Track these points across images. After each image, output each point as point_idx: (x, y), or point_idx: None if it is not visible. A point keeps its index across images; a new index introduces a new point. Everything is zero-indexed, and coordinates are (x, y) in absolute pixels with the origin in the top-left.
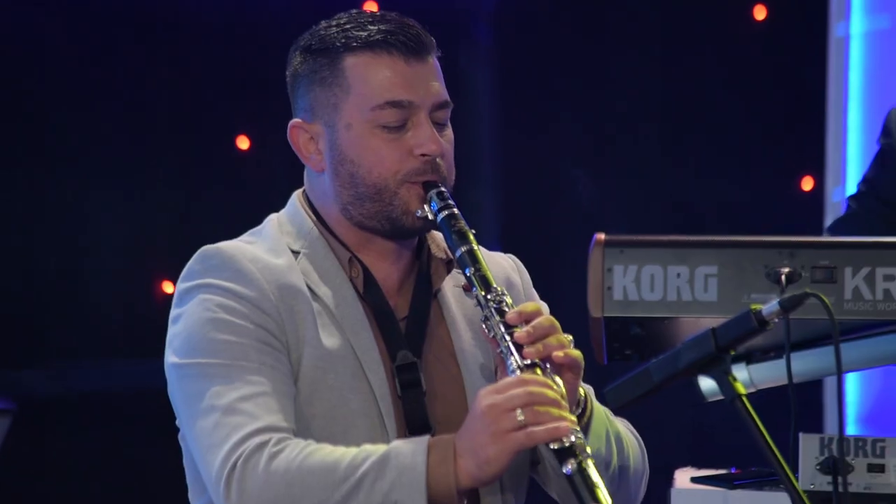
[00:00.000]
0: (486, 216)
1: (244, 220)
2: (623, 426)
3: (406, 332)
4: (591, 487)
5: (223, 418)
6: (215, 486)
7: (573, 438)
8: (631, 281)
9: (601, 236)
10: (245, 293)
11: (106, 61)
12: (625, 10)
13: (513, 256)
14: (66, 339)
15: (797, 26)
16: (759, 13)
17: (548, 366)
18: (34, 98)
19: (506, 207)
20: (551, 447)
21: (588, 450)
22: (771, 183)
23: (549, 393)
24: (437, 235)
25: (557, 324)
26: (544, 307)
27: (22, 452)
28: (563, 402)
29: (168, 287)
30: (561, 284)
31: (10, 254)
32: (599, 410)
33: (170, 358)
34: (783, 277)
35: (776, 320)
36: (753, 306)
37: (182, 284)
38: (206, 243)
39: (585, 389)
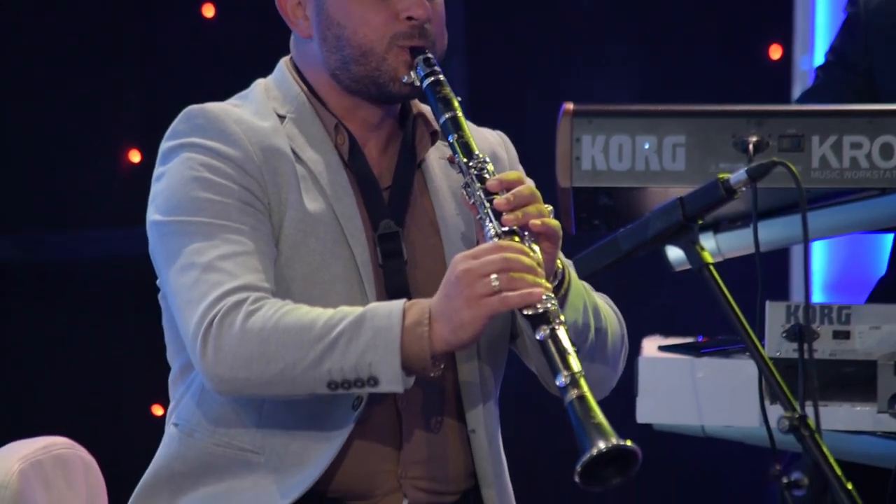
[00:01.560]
0: (455, 86)
1: (210, 88)
2: (602, 300)
3: (389, 201)
4: (562, 353)
5: (202, 275)
6: (192, 342)
7: (548, 305)
8: (599, 151)
9: (569, 106)
10: (229, 153)
11: None
12: None
13: (500, 132)
14: (33, 208)
15: None
16: None
17: (526, 234)
18: None
19: (474, 78)
20: (525, 313)
21: (562, 317)
22: (738, 51)
23: (525, 260)
24: (425, 106)
25: (538, 193)
26: (529, 182)
27: None
28: (539, 270)
29: (135, 156)
30: (529, 154)
31: None
32: (577, 283)
33: (152, 216)
34: (751, 146)
35: (744, 189)
36: (721, 175)
37: (166, 143)
38: (171, 112)
39: (564, 262)
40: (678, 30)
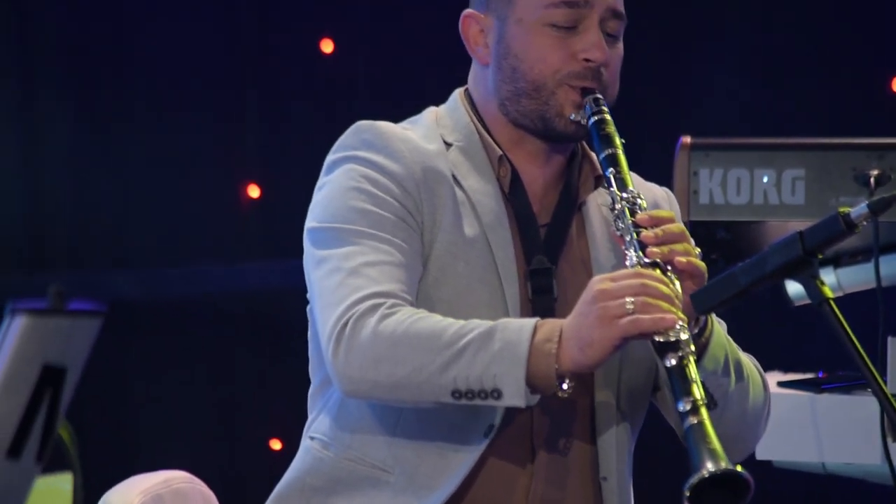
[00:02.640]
0: None
1: (328, 124)
2: (747, 358)
3: (545, 238)
4: (688, 381)
5: (346, 279)
6: (327, 343)
7: (681, 335)
8: (717, 184)
9: (687, 139)
10: (391, 168)
11: None
12: None
13: (667, 189)
14: (153, 244)
15: None
16: None
17: (669, 269)
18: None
19: None
20: (655, 339)
21: (692, 347)
22: (858, 83)
23: (664, 289)
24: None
25: (688, 233)
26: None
27: (109, 354)
28: (677, 302)
29: (254, 191)
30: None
31: (102, 161)
32: (720, 333)
33: (309, 223)
34: (872, 179)
35: (865, 223)
36: (841, 209)
37: (332, 155)
38: (288, 148)
39: (712, 316)
40: (798, 61)
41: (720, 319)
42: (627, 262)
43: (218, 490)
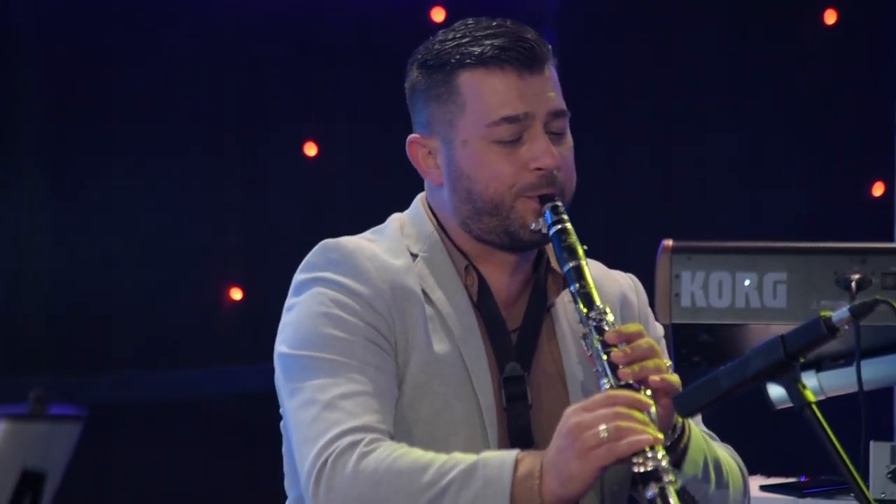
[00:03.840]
0: None
1: (310, 227)
2: (726, 452)
3: (516, 344)
4: None
5: (322, 413)
6: (306, 480)
7: (660, 463)
8: (699, 287)
9: (669, 242)
10: (359, 290)
11: (170, 68)
12: (691, 15)
13: (632, 276)
14: (133, 347)
15: (867, 30)
16: (830, 17)
17: (642, 389)
18: (104, 101)
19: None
20: (635, 471)
21: (671, 476)
22: (840, 188)
23: (638, 415)
24: None
25: (658, 347)
26: (659, 328)
27: (90, 459)
28: (650, 421)
29: (236, 294)
30: None
31: (81, 262)
32: (698, 436)
33: (279, 347)
34: (853, 284)
35: (846, 327)
36: (823, 313)
37: (300, 276)
38: (272, 250)
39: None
40: (781, 165)
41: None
42: (601, 388)
43: None
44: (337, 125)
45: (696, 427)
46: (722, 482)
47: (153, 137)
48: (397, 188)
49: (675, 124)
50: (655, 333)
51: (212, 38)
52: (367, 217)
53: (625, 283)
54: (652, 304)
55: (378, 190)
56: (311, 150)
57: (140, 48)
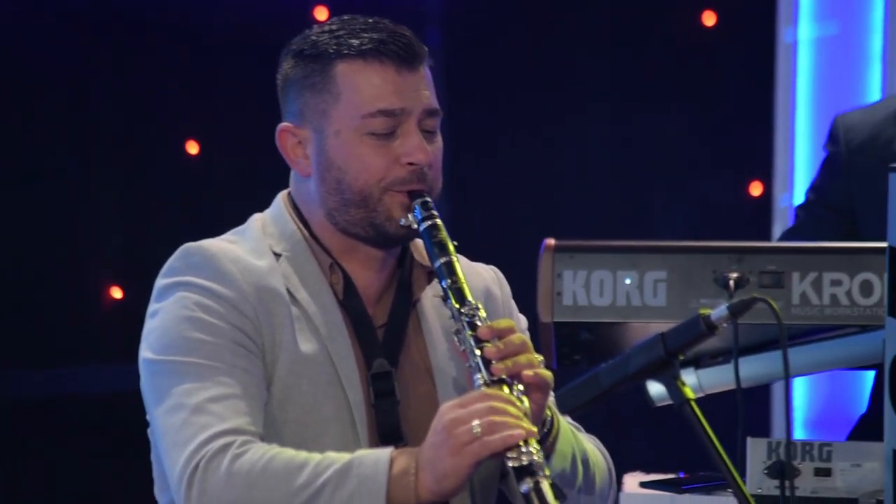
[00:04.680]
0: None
1: (192, 225)
2: (591, 443)
3: (383, 340)
4: None
5: (191, 417)
6: (177, 485)
7: (533, 458)
8: (581, 286)
9: (551, 241)
10: (224, 293)
11: (50, 63)
12: (574, 15)
13: (494, 268)
14: (12, 345)
15: (746, 32)
16: (709, 19)
17: (515, 383)
18: None
19: (455, 213)
20: (510, 465)
21: (546, 471)
22: (719, 188)
23: (511, 409)
24: (421, 244)
25: (529, 342)
26: (523, 320)
27: None
28: (524, 416)
29: (116, 292)
30: (512, 290)
31: None
32: (566, 429)
33: (144, 353)
34: (731, 282)
35: (725, 325)
36: (702, 311)
37: (162, 280)
38: (154, 249)
39: (553, 409)
40: (660, 163)
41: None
42: (474, 383)
43: None
44: (219, 124)
45: (563, 420)
46: (589, 474)
47: (32, 135)
48: (280, 186)
49: (554, 125)
50: (520, 325)
51: (90, 32)
52: (249, 215)
53: (488, 276)
54: (534, 303)
55: (260, 188)
56: (192, 148)
57: (10, 42)
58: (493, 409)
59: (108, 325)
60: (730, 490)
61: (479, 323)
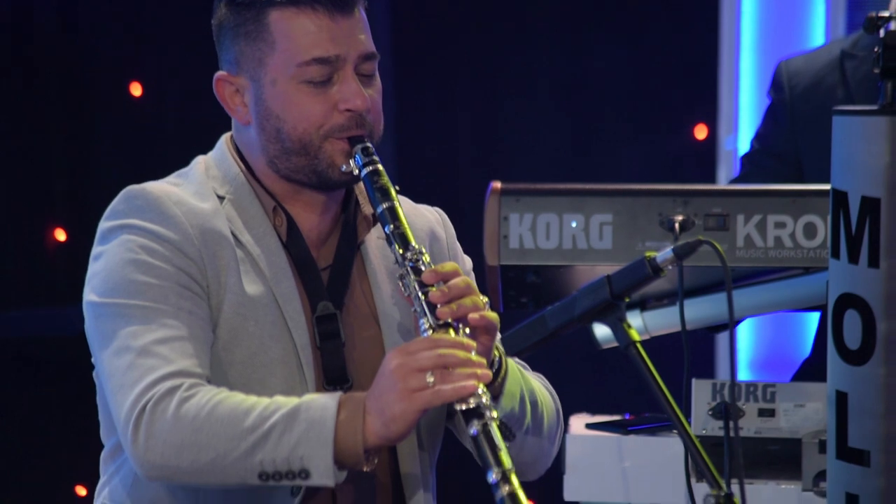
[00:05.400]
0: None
1: (136, 168)
2: (538, 382)
3: (328, 282)
4: (494, 449)
5: (137, 360)
6: (124, 427)
7: (481, 400)
8: (527, 229)
9: (497, 184)
10: (168, 235)
11: None
12: None
13: (439, 210)
14: None
15: None
16: None
17: (461, 326)
18: None
19: (401, 158)
20: (458, 408)
21: (494, 413)
22: (664, 131)
23: (460, 353)
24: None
25: (474, 284)
26: (468, 261)
27: None
28: (474, 361)
29: (60, 235)
30: (458, 233)
31: None
32: (514, 369)
33: (88, 296)
34: (677, 225)
35: (670, 267)
36: (648, 254)
37: (105, 223)
38: (99, 191)
39: (500, 349)
40: (605, 107)
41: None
42: (420, 328)
43: None
44: (162, 65)
45: (511, 361)
46: (537, 413)
47: None
48: (224, 128)
49: (500, 65)
50: (465, 267)
51: None
52: (193, 157)
53: (432, 217)
54: (481, 246)
55: (203, 130)
56: (136, 90)
57: None
58: (443, 357)
59: (52, 267)
60: (675, 431)
61: (423, 267)
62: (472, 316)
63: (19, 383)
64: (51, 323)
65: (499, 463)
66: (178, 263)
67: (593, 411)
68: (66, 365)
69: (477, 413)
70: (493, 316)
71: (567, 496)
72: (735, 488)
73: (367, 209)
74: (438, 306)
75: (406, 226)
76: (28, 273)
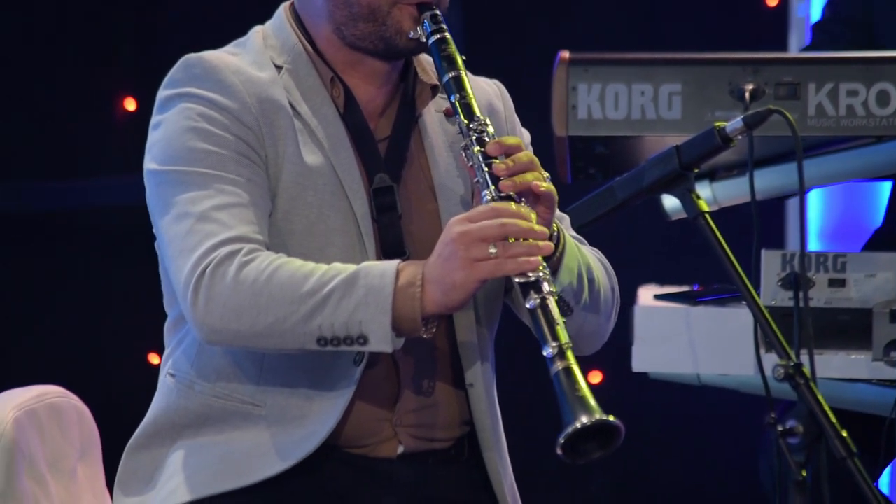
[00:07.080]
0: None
1: (205, 36)
2: (594, 257)
3: (385, 155)
4: (551, 323)
5: (196, 225)
6: (184, 291)
7: (540, 274)
8: (595, 99)
9: (565, 54)
10: (226, 104)
11: None
12: None
13: (497, 82)
14: (27, 157)
15: None
16: None
17: (522, 199)
18: None
19: (470, 27)
20: (517, 280)
21: (552, 287)
22: None
23: (522, 223)
24: (425, 59)
25: (536, 160)
26: (526, 135)
27: None
28: (536, 231)
29: (130, 104)
30: (526, 104)
31: None
32: (571, 244)
33: (149, 164)
34: (747, 94)
35: (740, 137)
36: (717, 123)
37: (164, 92)
38: (166, 60)
39: (559, 224)
40: None
41: (562, 214)
42: (482, 199)
43: (95, 404)
44: None
45: (569, 236)
46: (594, 288)
47: None
48: None
49: None
50: (524, 140)
51: None
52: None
53: (491, 90)
54: (549, 116)
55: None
56: None
57: None
58: (505, 226)
59: (122, 137)
60: (744, 302)
61: (487, 139)
62: (537, 184)
63: (90, 251)
64: (122, 191)
65: (555, 337)
66: (236, 132)
67: (662, 282)
68: (137, 233)
69: (536, 286)
70: (552, 189)
71: (635, 367)
72: (804, 358)
73: (427, 80)
74: (501, 178)
75: (472, 96)
76: (98, 143)
